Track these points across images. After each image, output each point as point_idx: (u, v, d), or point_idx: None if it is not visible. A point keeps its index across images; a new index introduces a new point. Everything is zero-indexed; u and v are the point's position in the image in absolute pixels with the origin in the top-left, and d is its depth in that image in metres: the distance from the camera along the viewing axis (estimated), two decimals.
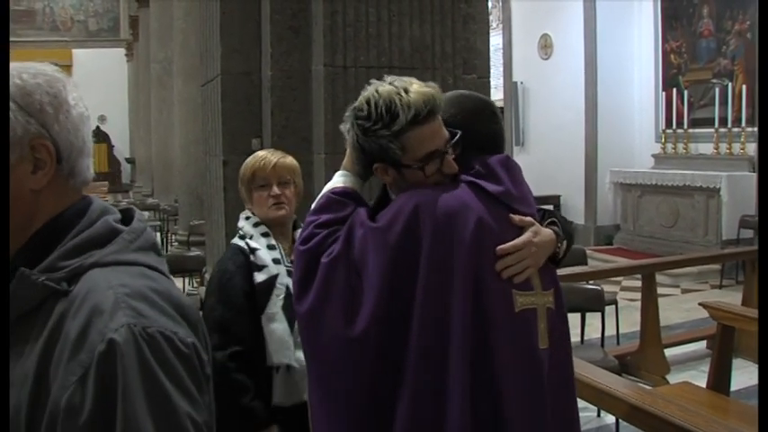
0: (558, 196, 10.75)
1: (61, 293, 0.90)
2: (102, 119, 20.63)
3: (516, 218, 1.53)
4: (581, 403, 2.57)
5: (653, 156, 9.65)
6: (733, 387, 3.87)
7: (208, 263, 4.08)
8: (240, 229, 2.22)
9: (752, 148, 8.21)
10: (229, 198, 3.26)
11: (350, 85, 2.92)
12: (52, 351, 0.87)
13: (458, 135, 1.55)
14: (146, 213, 12.54)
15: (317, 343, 1.52)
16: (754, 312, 3.80)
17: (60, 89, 0.96)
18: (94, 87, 17.60)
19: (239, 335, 2.02)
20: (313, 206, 1.67)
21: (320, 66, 3.00)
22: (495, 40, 11.61)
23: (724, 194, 8.14)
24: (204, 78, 3.77)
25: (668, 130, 9.38)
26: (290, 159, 2.26)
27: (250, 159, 2.25)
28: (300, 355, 1.97)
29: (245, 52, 3.27)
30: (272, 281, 2.08)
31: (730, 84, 8.54)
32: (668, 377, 4.66)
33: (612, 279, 6.88)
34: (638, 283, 5.20)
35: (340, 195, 1.63)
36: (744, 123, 8.28)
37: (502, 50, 12.20)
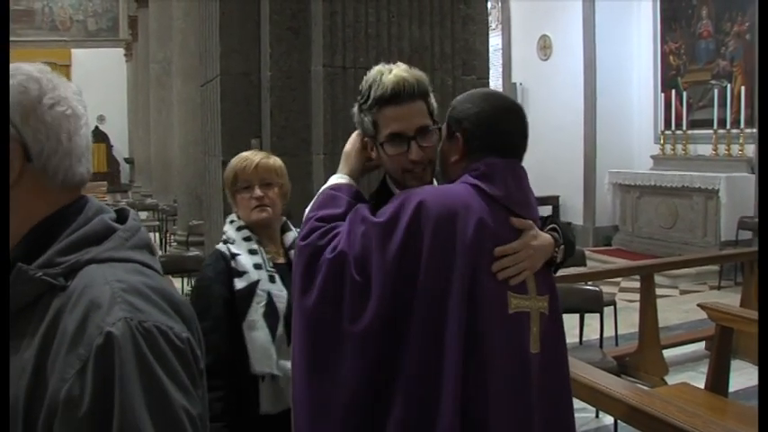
0: (557, 197, 10.77)
1: (58, 289, 0.92)
2: (101, 119, 20.61)
3: (516, 221, 1.54)
4: (580, 404, 2.58)
5: (652, 157, 9.66)
6: (731, 388, 3.87)
7: None
8: (224, 233, 2.14)
9: (750, 150, 8.22)
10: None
11: (349, 85, 2.92)
12: (50, 345, 0.88)
13: (436, 126, 1.61)
14: (144, 213, 12.54)
15: (318, 338, 1.51)
16: (752, 313, 3.81)
17: (33, 89, 0.97)
18: (93, 87, 17.56)
19: (214, 343, 1.89)
20: (311, 203, 1.68)
21: (319, 66, 3.00)
22: (495, 40, 11.62)
23: (723, 196, 8.15)
24: (203, 79, 3.77)
25: (667, 132, 9.39)
26: (273, 160, 2.18)
27: (233, 160, 2.18)
28: (283, 363, 1.94)
29: (244, 53, 3.27)
30: (252, 287, 2.00)
31: (729, 85, 8.55)
32: (667, 378, 4.66)
33: (611, 280, 6.89)
34: (637, 284, 5.20)
35: (338, 191, 1.65)
36: (742, 125, 8.29)
37: (501, 51, 12.22)
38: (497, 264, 1.48)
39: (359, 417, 1.47)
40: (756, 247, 6.77)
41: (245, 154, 2.19)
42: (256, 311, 1.98)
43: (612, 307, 5.04)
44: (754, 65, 8.14)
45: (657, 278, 5.37)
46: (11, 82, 0.96)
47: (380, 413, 1.44)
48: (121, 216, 1.04)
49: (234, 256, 2.04)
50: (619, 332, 5.20)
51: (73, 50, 21.18)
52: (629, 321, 5.41)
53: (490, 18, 9.80)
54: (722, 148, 8.60)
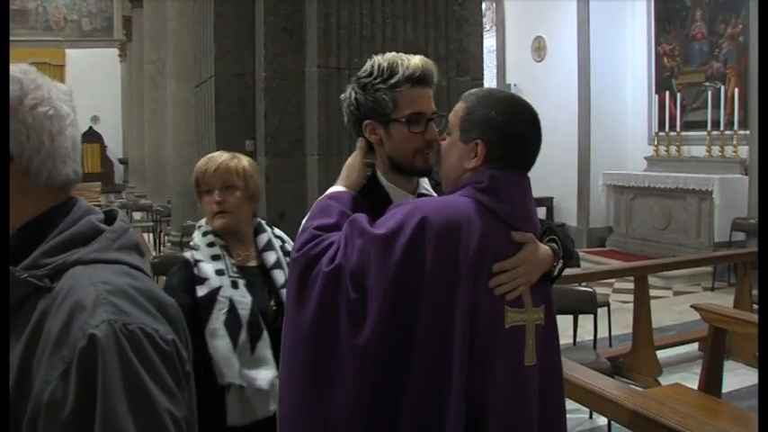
0: (551, 198, 10.78)
1: (44, 290, 0.92)
2: (94, 119, 20.58)
3: (517, 234, 1.52)
4: (573, 404, 2.58)
5: (645, 158, 9.68)
6: (724, 389, 3.88)
7: None
8: (192, 239, 2.09)
9: (744, 151, 8.25)
10: None
11: (343, 87, 2.86)
12: (35, 346, 0.88)
13: (444, 115, 1.66)
14: (138, 214, 12.52)
15: (317, 353, 1.48)
16: (745, 315, 3.83)
17: (14, 90, 0.96)
18: (87, 87, 17.56)
19: None
20: (309, 213, 1.66)
21: (314, 67, 3.00)
22: (489, 42, 11.64)
23: (716, 197, 8.17)
24: (198, 79, 3.77)
25: (661, 133, 9.41)
26: (236, 161, 2.07)
27: (199, 162, 2.10)
28: (247, 372, 1.90)
29: (238, 53, 3.27)
30: (213, 294, 1.93)
31: (723, 87, 8.57)
32: (660, 379, 4.67)
33: (605, 281, 6.89)
34: (631, 285, 5.21)
35: (334, 200, 1.62)
36: (736, 126, 8.32)
37: (495, 52, 12.23)
38: (494, 280, 1.46)
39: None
40: (750, 248, 6.81)
41: (211, 155, 2.11)
42: (217, 319, 1.91)
43: (606, 308, 5.05)
44: (747, 67, 8.18)
45: (651, 279, 5.39)
46: None
47: (382, 429, 1.43)
48: (110, 217, 1.04)
49: (197, 262, 1.99)
50: (612, 333, 5.21)
51: (67, 50, 21.13)
52: (622, 322, 5.42)
53: (484, 19, 9.79)
54: (716, 150, 8.62)
